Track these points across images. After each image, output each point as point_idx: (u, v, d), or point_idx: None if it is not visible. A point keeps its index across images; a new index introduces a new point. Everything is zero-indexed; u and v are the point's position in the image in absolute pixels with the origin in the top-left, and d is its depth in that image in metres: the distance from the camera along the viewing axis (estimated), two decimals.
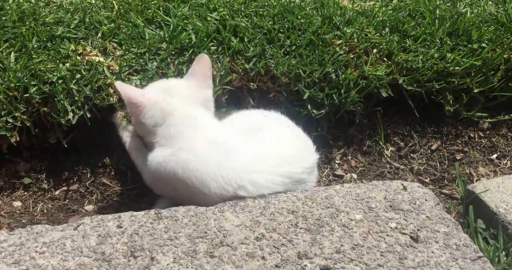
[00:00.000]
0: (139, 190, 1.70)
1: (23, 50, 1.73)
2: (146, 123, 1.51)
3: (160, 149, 1.48)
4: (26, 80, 1.60)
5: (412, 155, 1.94)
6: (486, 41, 2.01)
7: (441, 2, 2.28)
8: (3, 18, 1.85)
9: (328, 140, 1.90)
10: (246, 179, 1.42)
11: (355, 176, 1.85)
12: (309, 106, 1.82)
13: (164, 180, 1.46)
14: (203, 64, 1.59)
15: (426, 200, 1.45)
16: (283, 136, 1.59)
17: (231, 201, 1.43)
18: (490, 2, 2.35)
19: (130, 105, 1.51)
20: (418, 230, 1.34)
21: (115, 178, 1.75)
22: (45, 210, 1.63)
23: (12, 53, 1.70)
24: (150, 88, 1.60)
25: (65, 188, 1.70)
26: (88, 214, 1.62)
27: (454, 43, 2.00)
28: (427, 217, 1.39)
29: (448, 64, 1.91)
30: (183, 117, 1.52)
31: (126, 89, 1.48)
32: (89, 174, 1.74)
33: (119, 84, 1.48)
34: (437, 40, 2.00)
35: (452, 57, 1.93)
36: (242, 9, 2.04)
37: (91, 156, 1.77)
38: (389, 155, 1.93)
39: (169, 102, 1.52)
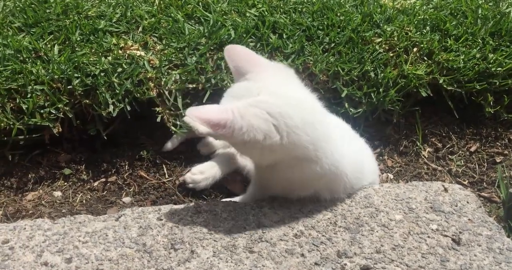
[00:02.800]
0: (174, 183, 1.72)
1: (67, 43, 1.76)
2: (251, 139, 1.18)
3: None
4: (69, 73, 1.62)
5: (450, 156, 1.91)
6: None
7: (483, 1, 2.24)
8: (48, 10, 1.89)
9: (364, 139, 1.88)
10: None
11: (391, 176, 1.83)
12: (346, 105, 1.80)
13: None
14: (243, 55, 1.31)
15: (467, 202, 1.43)
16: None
17: (269, 197, 1.43)
18: None
19: (214, 128, 1.15)
20: (460, 232, 1.32)
21: (151, 171, 1.77)
22: (84, 201, 1.65)
23: (56, 45, 1.73)
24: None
25: (103, 180, 1.73)
26: (125, 205, 1.64)
27: (496, 43, 1.96)
28: (469, 219, 1.37)
29: (490, 65, 1.87)
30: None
31: (200, 114, 1.15)
32: (126, 166, 1.76)
33: (190, 112, 1.15)
34: (479, 40, 1.96)
35: (494, 57, 1.89)
36: (281, 5, 2.04)
37: (129, 148, 1.79)
38: (426, 156, 1.90)
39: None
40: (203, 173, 1.67)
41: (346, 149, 1.37)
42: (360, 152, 1.54)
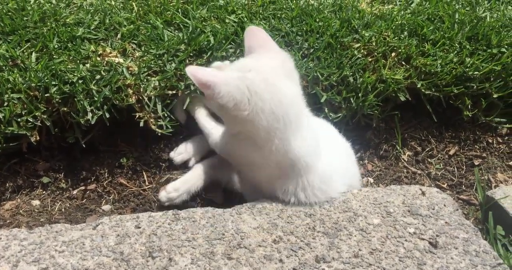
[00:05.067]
0: (155, 190, 1.71)
1: (44, 50, 1.75)
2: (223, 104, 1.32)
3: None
4: (47, 80, 1.61)
5: (429, 159, 1.92)
6: (506, 46, 1.99)
7: (460, 6, 2.27)
8: (25, 18, 1.87)
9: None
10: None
11: (371, 180, 1.84)
12: (326, 110, 1.81)
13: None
14: (259, 37, 1.46)
15: (445, 206, 1.44)
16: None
17: (248, 203, 1.43)
18: (510, 7, 2.33)
19: (200, 86, 1.32)
20: (437, 235, 1.33)
21: (132, 178, 1.76)
22: (63, 209, 1.64)
23: (34, 53, 1.71)
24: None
25: (82, 188, 1.72)
26: (105, 213, 1.63)
27: (473, 47, 1.99)
28: (446, 222, 1.38)
29: (467, 69, 1.89)
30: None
31: (193, 70, 1.32)
32: (106, 174, 1.75)
33: (189, 68, 1.33)
34: (456, 44, 1.99)
35: (471, 61, 1.91)
36: (260, 11, 2.04)
37: (109, 156, 1.78)
38: (406, 160, 1.92)
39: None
40: (178, 190, 1.64)
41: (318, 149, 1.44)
42: (336, 154, 1.56)
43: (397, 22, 2.06)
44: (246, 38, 1.46)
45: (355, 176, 1.62)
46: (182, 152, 1.75)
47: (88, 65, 1.70)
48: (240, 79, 1.32)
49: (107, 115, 1.65)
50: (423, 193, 1.48)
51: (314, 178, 1.41)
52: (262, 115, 1.32)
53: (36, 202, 1.65)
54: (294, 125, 1.36)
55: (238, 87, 1.31)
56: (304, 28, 1.97)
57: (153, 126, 1.69)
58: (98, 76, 1.68)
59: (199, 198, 1.70)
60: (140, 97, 1.70)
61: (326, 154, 1.46)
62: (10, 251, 1.23)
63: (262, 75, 1.34)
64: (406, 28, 2.04)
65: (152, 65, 1.75)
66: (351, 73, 1.83)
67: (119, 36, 1.86)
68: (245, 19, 1.97)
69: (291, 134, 1.36)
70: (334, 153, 1.53)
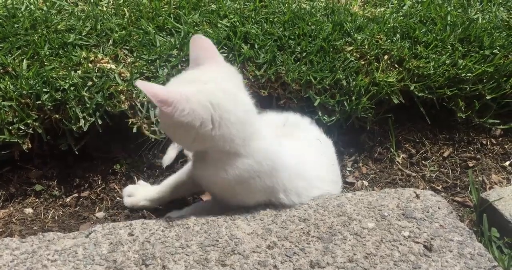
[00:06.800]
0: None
1: (35, 57, 1.74)
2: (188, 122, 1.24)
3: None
4: (38, 88, 1.60)
5: (423, 162, 1.92)
6: (498, 48, 2.00)
7: (452, 8, 2.27)
8: (16, 25, 1.86)
9: (339, 147, 1.89)
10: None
11: (366, 183, 1.84)
12: (320, 113, 1.81)
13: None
14: (206, 47, 1.38)
15: (439, 208, 1.44)
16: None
17: (242, 209, 1.42)
18: (502, 9, 2.34)
19: (160, 104, 1.21)
20: (431, 238, 1.33)
21: (125, 185, 1.75)
22: (56, 217, 1.63)
23: (25, 60, 1.71)
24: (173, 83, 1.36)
25: (76, 195, 1.70)
26: (99, 221, 1.62)
27: (465, 49, 1.99)
28: (440, 225, 1.37)
29: (459, 71, 1.90)
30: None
31: (149, 87, 1.21)
32: (100, 180, 1.74)
33: (141, 84, 1.21)
34: (449, 46, 1.99)
35: (463, 63, 1.91)
36: (253, 15, 2.04)
37: (102, 162, 1.77)
38: (400, 162, 1.91)
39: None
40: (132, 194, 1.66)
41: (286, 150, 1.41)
42: (318, 158, 1.55)
43: (389, 25, 2.06)
44: (193, 48, 1.37)
45: (335, 182, 1.61)
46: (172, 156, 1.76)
47: (79, 71, 1.70)
48: (200, 93, 1.25)
49: (100, 122, 1.64)
50: (418, 196, 1.48)
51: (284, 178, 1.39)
52: (231, 126, 1.28)
53: (29, 210, 1.64)
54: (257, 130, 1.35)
55: (201, 102, 1.24)
56: (297, 32, 1.97)
57: (146, 132, 1.68)
58: (90, 83, 1.68)
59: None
60: (133, 103, 1.69)
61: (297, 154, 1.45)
62: (2, 261, 1.22)
63: (220, 86, 1.29)
64: (399, 31, 2.04)
65: (145, 71, 1.75)
66: (344, 77, 1.83)
67: (110, 42, 1.86)
68: (238, 23, 1.97)
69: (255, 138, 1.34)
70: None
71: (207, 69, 1.34)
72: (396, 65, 1.92)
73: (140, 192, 1.66)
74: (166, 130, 1.38)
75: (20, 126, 1.58)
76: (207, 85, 1.28)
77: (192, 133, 1.26)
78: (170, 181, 1.64)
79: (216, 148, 1.30)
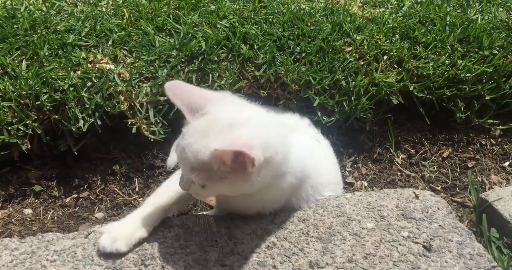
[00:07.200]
0: (147, 197, 1.70)
1: (35, 58, 1.74)
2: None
3: None
4: (37, 88, 1.60)
5: (423, 162, 1.92)
6: (498, 48, 2.00)
7: (452, 9, 2.27)
8: (15, 26, 1.87)
9: (338, 147, 1.89)
10: None
11: (365, 183, 1.84)
12: (319, 113, 1.81)
13: None
14: (188, 91, 1.21)
15: (438, 209, 1.44)
16: None
17: None
18: (501, 9, 2.34)
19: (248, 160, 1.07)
20: (431, 239, 1.33)
21: (124, 185, 1.75)
22: (55, 218, 1.63)
23: (24, 61, 1.71)
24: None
25: (75, 196, 1.70)
26: (98, 221, 1.62)
27: (465, 50, 1.99)
28: (439, 225, 1.37)
29: (459, 71, 1.89)
30: None
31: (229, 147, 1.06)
32: (99, 181, 1.74)
33: (221, 151, 1.06)
34: (448, 47, 1.99)
35: (463, 64, 1.91)
36: (252, 16, 2.04)
37: (101, 163, 1.77)
38: (400, 163, 1.91)
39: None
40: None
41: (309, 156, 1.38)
42: (323, 160, 1.54)
43: (388, 25, 2.06)
44: (176, 97, 1.18)
45: (338, 183, 1.61)
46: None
47: (79, 72, 1.70)
48: (249, 127, 1.14)
49: (99, 122, 1.64)
50: (417, 196, 1.48)
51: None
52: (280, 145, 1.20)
53: (28, 211, 1.64)
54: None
55: (268, 130, 1.18)
56: (296, 33, 1.97)
57: (145, 133, 1.68)
58: (89, 83, 1.68)
59: None
60: (132, 104, 1.69)
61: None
62: (1, 261, 1.22)
63: (247, 115, 1.18)
64: (398, 31, 2.04)
65: (144, 72, 1.75)
66: (343, 77, 1.83)
67: (110, 42, 1.86)
68: (237, 24, 1.97)
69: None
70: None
71: (216, 110, 1.17)
72: (396, 66, 1.92)
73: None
74: (232, 188, 1.18)
75: (20, 127, 1.58)
76: (247, 120, 1.16)
77: (272, 168, 1.16)
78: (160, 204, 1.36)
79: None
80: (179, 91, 1.19)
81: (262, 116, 1.24)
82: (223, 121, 1.14)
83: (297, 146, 1.28)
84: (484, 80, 1.93)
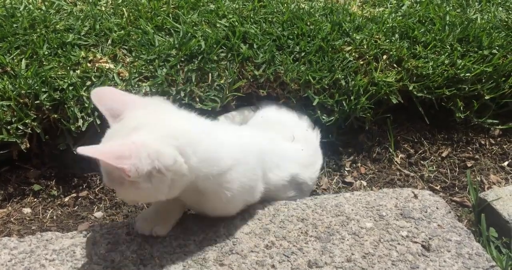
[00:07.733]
0: None
1: (34, 57, 1.74)
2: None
3: None
4: (37, 87, 1.60)
5: (422, 162, 1.92)
6: (497, 47, 2.00)
7: (451, 8, 2.27)
8: (14, 25, 1.86)
9: (337, 147, 1.90)
10: None
11: (364, 183, 1.84)
12: (318, 113, 1.81)
13: None
14: (115, 94, 1.22)
15: (437, 208, 1.44)
16: None
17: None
18: (501, 8, 2.34)
19: (117, 161, 1.04)
20: (429, 238, 1.33)
21: None
22: (54, 217, 1.63)
23: (23, 60, 1.71)
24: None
25: (74, 195, 1.70)
26: (97, 220, 1.62)
27: (464, 49, 1.99)
28: (438, 225, 1.37)
29: (458, 71, 1.90)
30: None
31: (96, 149, 1.08)
32: (98, 180, 1.74)
33: (83, 150, 1.05)
34: (447, 46, 1.99)
35: (462, 63, 1.91)
36: (251, 15, 2.04)
37: None
38: (399, 162, 1.91)
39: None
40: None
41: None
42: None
43: (388, 25, 2.06)
44: (100, 102, 1.18)
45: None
46: None
47: (78, 71, 1.70)
48: (152, 133, 1.12)
49: (98, 121, 1.64)
50: (416, 196, 1.48)
51: None
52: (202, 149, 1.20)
53: (27, 210, 1.64)
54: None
55: (157, 139, 1.11)
56: (295, 32, 1.96)
57: None
58: (88, 83, 1.68)
59: None
60: None
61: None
62: (0, 260, 1.22)
63: (164, 117, 1.19)
64: (397, 31, 2.04)
65: (143, 71, 1.74)
66: (342, 76, 1.83)
67: (109, 42, 1.86)
68: (236, 23, 1.97)
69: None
70: None
71: (134, 115, 1.16)
72: (395, 65, 1.92)
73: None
74: (134, 195, 1.16)
75: (19, 126, 1.58)
76: (154, 125, 1.14)
77: (168, 177, 1.11)
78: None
79: (201, 177, 1.19)
80: (103, 97, 1.19)
81: (180, 123, 1.19)
82: (129, 125, 1.13)
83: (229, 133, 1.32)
84: (483, 80, 1.93)
